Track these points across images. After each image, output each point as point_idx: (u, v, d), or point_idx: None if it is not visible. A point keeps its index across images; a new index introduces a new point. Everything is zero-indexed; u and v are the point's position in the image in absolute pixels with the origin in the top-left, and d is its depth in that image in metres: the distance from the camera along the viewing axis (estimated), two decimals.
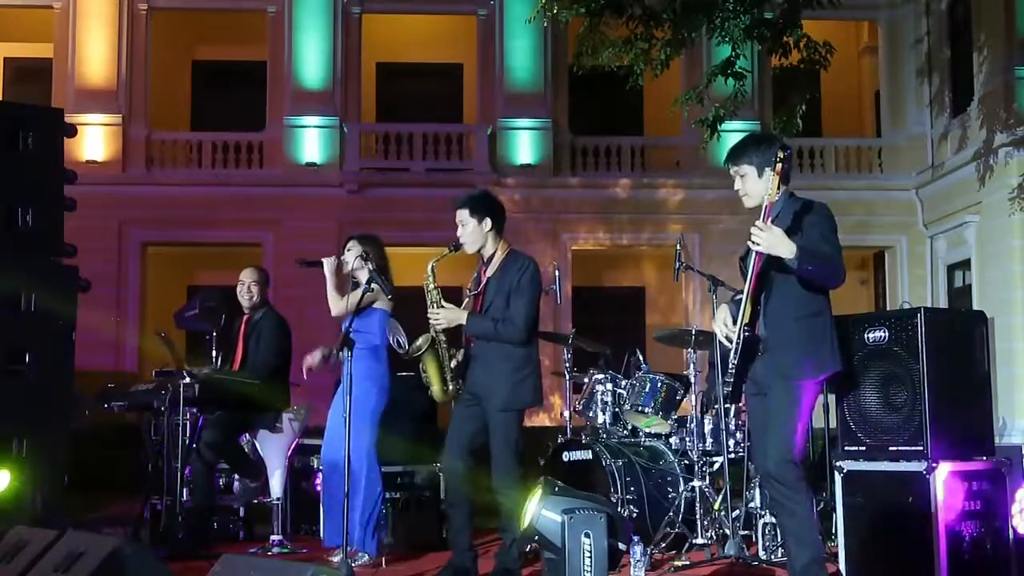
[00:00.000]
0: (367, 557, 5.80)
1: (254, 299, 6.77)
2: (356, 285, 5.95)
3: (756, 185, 4.32)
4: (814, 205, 4.30)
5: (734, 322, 4.25)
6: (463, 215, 5.17)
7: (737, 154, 4.39)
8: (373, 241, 5.98)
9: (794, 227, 4.16)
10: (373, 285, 5.52)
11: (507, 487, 5.00)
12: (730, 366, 4.21)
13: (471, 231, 5.16)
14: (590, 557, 4.20)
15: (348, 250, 5.97)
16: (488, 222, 5.16)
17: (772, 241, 4.01)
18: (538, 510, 4.36)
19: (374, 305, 5.79)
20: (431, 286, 5.19)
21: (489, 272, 5.18)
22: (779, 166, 4.06)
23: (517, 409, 5.10)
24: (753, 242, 4.05)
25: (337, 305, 5.84)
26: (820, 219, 4.24)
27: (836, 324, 4.34)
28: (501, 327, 5.03)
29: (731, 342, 4.24)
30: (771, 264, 4.12)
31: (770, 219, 4.08)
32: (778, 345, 4.20)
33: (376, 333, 5.77)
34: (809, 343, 4.21)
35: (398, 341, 5.32)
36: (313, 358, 6.17)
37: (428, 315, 5.14)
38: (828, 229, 4.24)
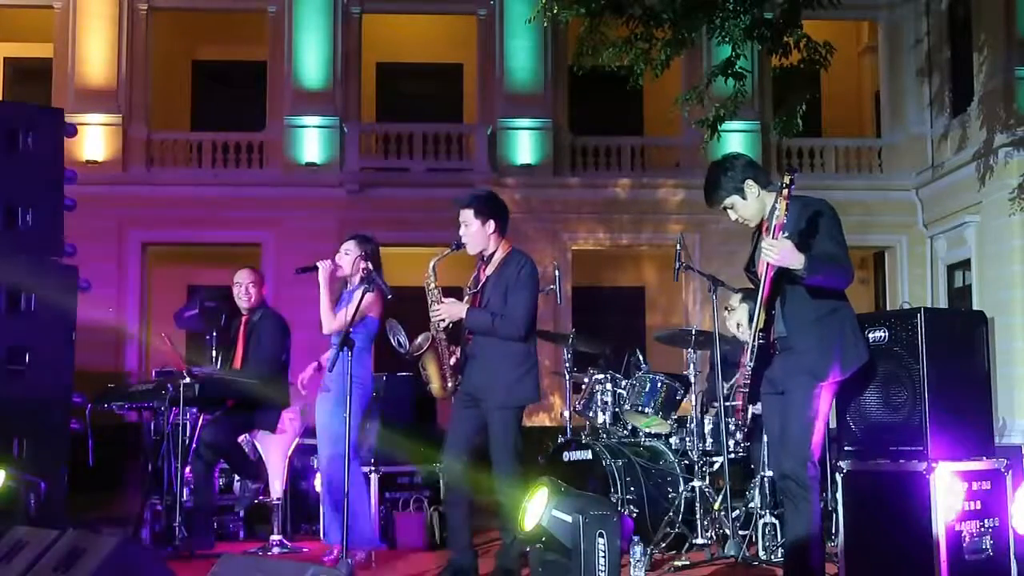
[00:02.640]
0: (361, 553, 5.80)
1: (252, 300, 6.77)
2: (346, 284, 5.98)
3: (749, 207, 4.31)
4: (817, 204, 4.28)
5: (749, 321, 4.26)
6: (467, 215, 5.17)
7: (713, 193, 4.35)
8: (369, 242, 6.00)
9: (801, 231, 4.16)
10: (374, 284, 5.54)
11: (507, 487, 4.99)
12: (747, 370, 4.22)
13: (474, 232, 5.16)
14: (604, 558, 4.18)
15: (346, 253, 5.98)
16: (492, 224, 5.16)
17: (784, 254, 4.02)
18: (547, 511, 4.32)
19: (368, 314, 5.82)
20: (432, 285, 5.20)
21: (488, 270, 5.19)
22: (786, 191, 4.03)
23: (516, 406, 5.10)
24: (766, 256, 4.06)
25: (330, 324, 5.87)
26: (826, 220, 4.23)
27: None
28: (499, 322, 5.03)
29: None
30: (783, 271, 4.12)
31: (781, 234, 4.08)
32: (802, 346, 4.21)
33: (362, 337, 5.78)
34: (832, 342, 4.22)
35: (399, 340, 5.33)
36: (305, 375, 6.29)
37: (430, 312, 5.15)
38: (835, 228, 4.23)
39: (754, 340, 4.20)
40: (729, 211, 4.36)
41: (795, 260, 4.02)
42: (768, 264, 4.10)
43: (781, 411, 4.29)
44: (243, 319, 6.81)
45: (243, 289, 6.76)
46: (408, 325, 5.43)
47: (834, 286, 4.22)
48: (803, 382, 4.20)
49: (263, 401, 6.48)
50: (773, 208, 4.11)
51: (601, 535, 4.17)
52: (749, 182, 4.28)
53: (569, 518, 4.22)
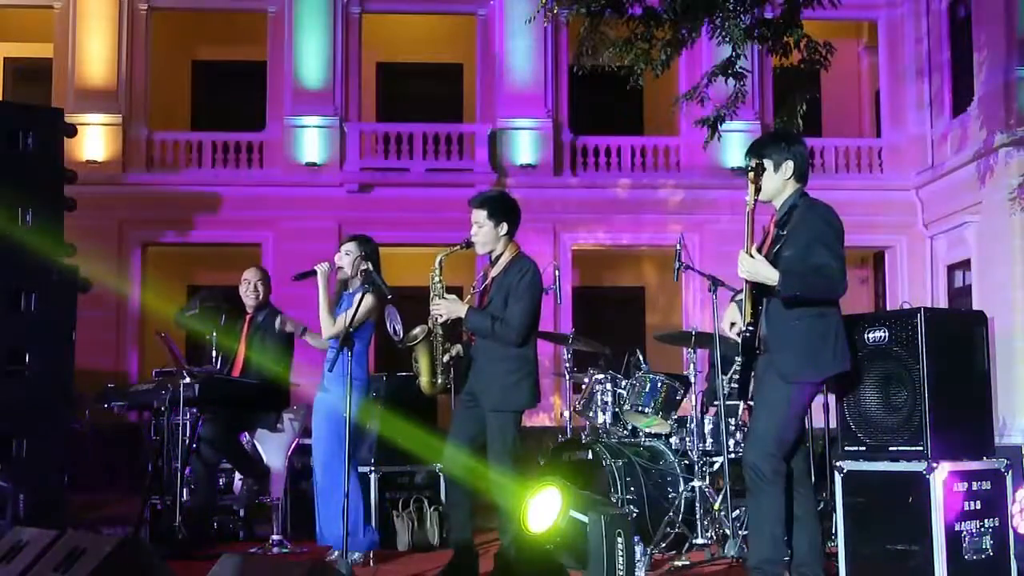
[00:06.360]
0: (357, 555, 5.80)
1: (259, 298, 6.77)
2: (346, 286, 5.97)
3: (771, 181, 4.34)
4: (822, 210, 4.29)
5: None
6: (480, 216, 5.15)
7: (758, 147, 4.42)
8: (369, 243, 5.99)
9: (796, 232, 4.17)
10: (373, 285, 5.54)
11: (504, 487, 4.99)
12: (736, 364, 4.26)
13: (486, 233, 5.15)
14: (623, 557, 4.18)
15: (346, 253, 5.96)
16: (504, 226, 5.16)
17: (754, 269, 4.10)
18: (564, 511, 4.30)
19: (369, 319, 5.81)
20: (436, 278, 5.20)
21: (494, 272, 5.19)
22: (751, 174, 4.15)
23: (511, 410, 5.09)
24: (739, 269, 4.13)
25: (329, 328, 5.80)
26: (825, 228, 4.24)
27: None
28: (498, 326, 5.03)
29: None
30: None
31: (773, 231, 4.13)
32: (778, 345, 4.21)
33: (360, 337, 5.77)
34: (809, 344, 4.22)
35: (395, 328, 5.33)
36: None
37: (430, 305, 5.15)
38: (832, 237, 4.23)
39: (742, 334, 4.20)
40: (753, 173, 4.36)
41: (767, 275, 4.07)
42: None
43: (755, 405, 4.33)
44: (247, 318, 6.81)
45: (251, 287, 6.77)
46: (407, 326, 5.42)
47: (820, 297, 4.22)
48: (774, 381, 4.24)
49: (264, 401, 6.48)
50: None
51: (619, 534, 4.18)
52: (788, 163, 4.32)
53: (585, 518, 4.22)
